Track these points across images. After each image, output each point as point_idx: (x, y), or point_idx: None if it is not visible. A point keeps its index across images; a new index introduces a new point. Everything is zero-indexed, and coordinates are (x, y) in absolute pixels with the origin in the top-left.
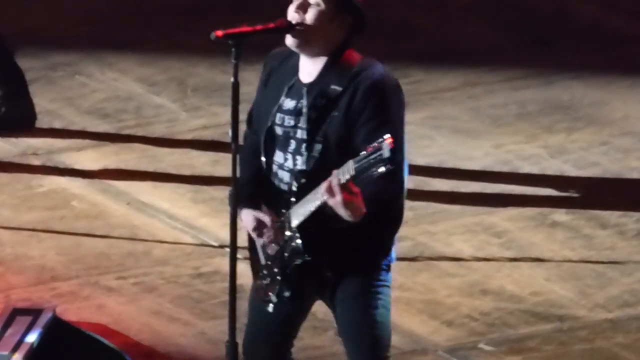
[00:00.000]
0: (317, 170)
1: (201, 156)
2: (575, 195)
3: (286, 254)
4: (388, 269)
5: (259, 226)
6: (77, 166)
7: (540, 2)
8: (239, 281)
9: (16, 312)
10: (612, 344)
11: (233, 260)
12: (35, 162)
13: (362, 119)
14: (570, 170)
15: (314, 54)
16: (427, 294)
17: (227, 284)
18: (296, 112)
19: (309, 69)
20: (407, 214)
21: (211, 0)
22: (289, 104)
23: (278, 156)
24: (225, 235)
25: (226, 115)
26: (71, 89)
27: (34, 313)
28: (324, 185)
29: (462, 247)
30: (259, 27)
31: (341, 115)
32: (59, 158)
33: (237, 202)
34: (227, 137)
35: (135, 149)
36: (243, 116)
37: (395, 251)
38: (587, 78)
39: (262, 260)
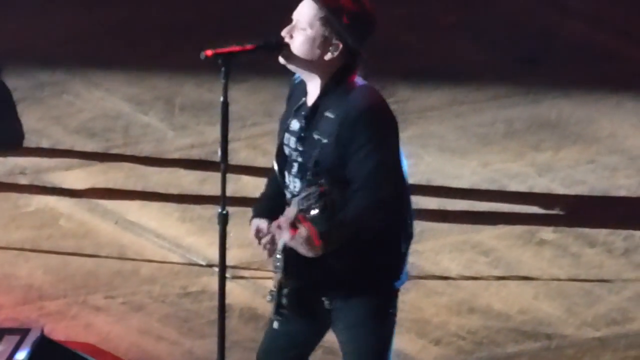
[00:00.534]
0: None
1: (189, 175)
2: (563, 213)
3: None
4: (391, 294)
5: (257, 233)
6: (65, 185)
7: (527, 20)
8: (227, 300)
9: (4, 332)
10: None
11: (222, 279)
12: (23, 181)
13: (351, 150)
14: (557, 188)
15: (307, 76)
16: (414, 313)
17: (214, 303)
18: (297, 135)
19: (312, 91)
20: None
21: (197, 19)
22: (294, 125)
23: (286, 177)
24: (212, 254)
25: (213, 134)
26: (58, 108)
27: (22, 332)
28: (274, 223)
29: (450, 265)
30: (248, 46)
31: (332, 143)
32: (47, 177)
33: (253, 212)
34: (215, 156)
35: (122, 168)
36: (232, 135)
37: (405, 275)
38: (574, 96)
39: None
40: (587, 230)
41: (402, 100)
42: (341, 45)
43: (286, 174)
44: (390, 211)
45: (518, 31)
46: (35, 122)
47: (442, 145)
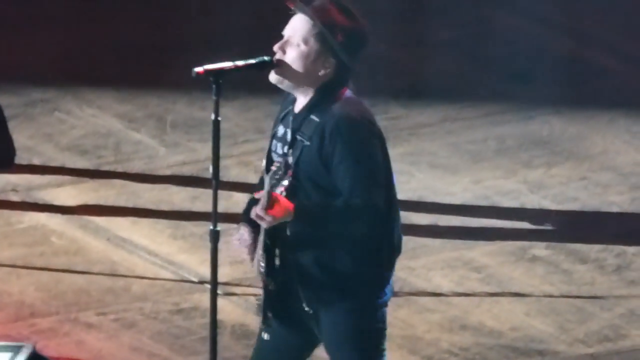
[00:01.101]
0: (292, 198)
1: (180, 192)
2: (555, 230)
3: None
4: (375, 308)
5: (240, 239)
6: (56, 202)
7: (519, 37)
8: (219, 317)
9: None
10: None
11: (214, 296)
12: (15, 198)
13: (334, 160)
14: (549, 205)
15: (298, 91)
16: (406, 329)
17: (206, 320)
18: (284, 140)
19: (301, 101)
20: None
21: (188, 37)
22: (281, 130)
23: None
24: (204, 271)
25: (205, 151)
26: (50, 126)
27: (14, 349)
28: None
29: (442, 282)
30: (240, 64)
31: (313, 147)
32: (38, 194)
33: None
34: (207, 173)
35: (114, 185)
36: (224, 152)
37: (390, 290)
38: (566, 113)
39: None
40: (579, 247)
41: (394, 118)
42: (334, 61)
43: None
44: (375, 218)
45: (510, 48)
46: (26, 140)
47: (434, 162)
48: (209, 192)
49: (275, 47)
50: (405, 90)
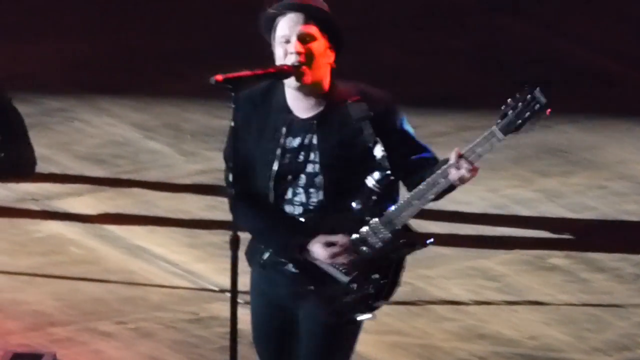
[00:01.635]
0: (334, 199)
1: (197, 201)
2: (572, 239)
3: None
4: None
5: (332, 249)
6: (74, 211)
7: (534, 47)
8: (238, 326)
9: (17, 357)
10: None
11: (234, 304)
12: (32, 207)
13: (394, 141)
14: (567, 214)
15: (311, 89)
16: (424, 339)
17: (225, 329)
18: (305, 148)
19: (303, 105)
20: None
21: (204, 46)
22: (293, 142)
23: (286, 194)
24: (221, 280)
25: (222, 160)
26: (67, 135)
27: (34, 358)
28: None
29: (459, 291)
30: (259, 71)
31: (356, 145)
32: (56, 204)
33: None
34: (224, 182)
35: (131, 194)
36: None
37: None
38: (582, 122)
39: (343, 279)
40: (596, 255)
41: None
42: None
43: (288, 190)
44: None
45: (525, 57)
46: (44, 149)
47: None
48: (226, 201)
49: (297, 49)
50: (421, 99)
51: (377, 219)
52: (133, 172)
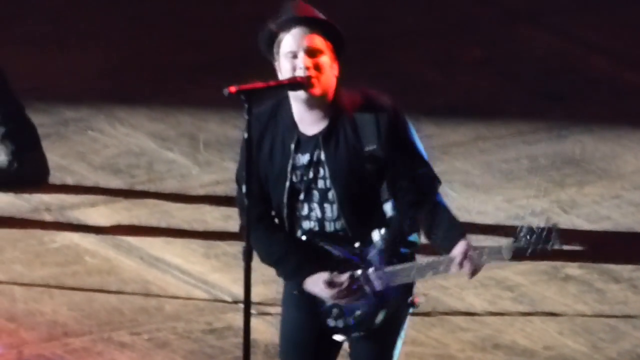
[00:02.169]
0: (351, 212)
1: (213, 211)
2: (588, 249)
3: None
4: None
5: (334, 287)
6: (90, 222)
7: (551, 56)
8: (252, 336)
9: None
10: None
11: (247, 316)
12: (48, 217)
13: (394, 153)
14: (582, 224)
15: (318, 101)
16: (440, 349)
17: (239, 340)
18: (314, 164)
19: (309, 119)
20: None
21: (220, 55)
22: (302, 159)
23: (301, 210)
24: (237, 291)
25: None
26: (83, 145)
27: None
28: (457, 259)
29: (475, 301)
30: (272, 82)
31: (366, 155)
32: (71, 214)
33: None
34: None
35: (147, 205)
36: None
37: None
38: (598, 131)
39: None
40: (612, 266)
41: (427, 136)
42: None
43: (303, 206)
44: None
45: (542, 67)
46: (59, 159)
47: (466, 181)
48: None
49: (306, 63)
50: (438, 109)
51: (381, 267)
52: (149, 182)
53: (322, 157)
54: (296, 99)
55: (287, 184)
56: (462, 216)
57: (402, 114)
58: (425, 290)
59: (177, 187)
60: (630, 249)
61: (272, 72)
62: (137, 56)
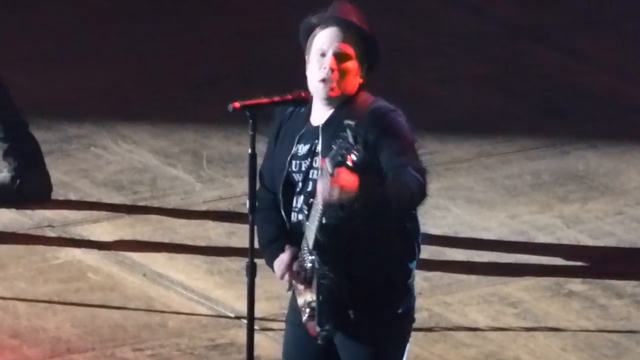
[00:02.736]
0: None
1: (216, 227)
2: (591, 265)
3: (315, 281)
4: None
5: (283, 266)
6: (93, 238)
7: (554, 73)
8: (255, 352)
9: None
10: None
11: (250, 332)
12: (51, 234)
13: (380, 148)
14: (585, 240)
15: (337, 101)
16: None
17: (242, 356)
18: (311, 154)
19: (321, 114)
20: (423, 284)
21: (223, 72)
22: (303, 149)
23: (296, 201)
24: (240, 307)
25: (241, 186)
26: (86, 161)
27: None
28: (319, 196)
29: (478, 317)
30: (276, 98)
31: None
32: (75, 230)
33: (267, 261)
34: (243, 209)
35: (150, 221)
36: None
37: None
38: (601, 147)
39: (309, 298)
40: (615, 281)
41: (430, 153)
42: (366, 65)
43: (296, 197)
44: (424, 186)
45: (545, 83)
46: (62, 175)
47: (470, 197)
48: (245, 228)
49: (331, 65)
50: (441, 125)
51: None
52: (152, 198)
53: (319, 147)
54: (317, 95)
55: (284, 173)
56: (465, 232)
57: (399, 115)
58: (428, 306)
59: (180, 204)
60: (634, 265)
61: (276, 88)
62: (140, 73)
